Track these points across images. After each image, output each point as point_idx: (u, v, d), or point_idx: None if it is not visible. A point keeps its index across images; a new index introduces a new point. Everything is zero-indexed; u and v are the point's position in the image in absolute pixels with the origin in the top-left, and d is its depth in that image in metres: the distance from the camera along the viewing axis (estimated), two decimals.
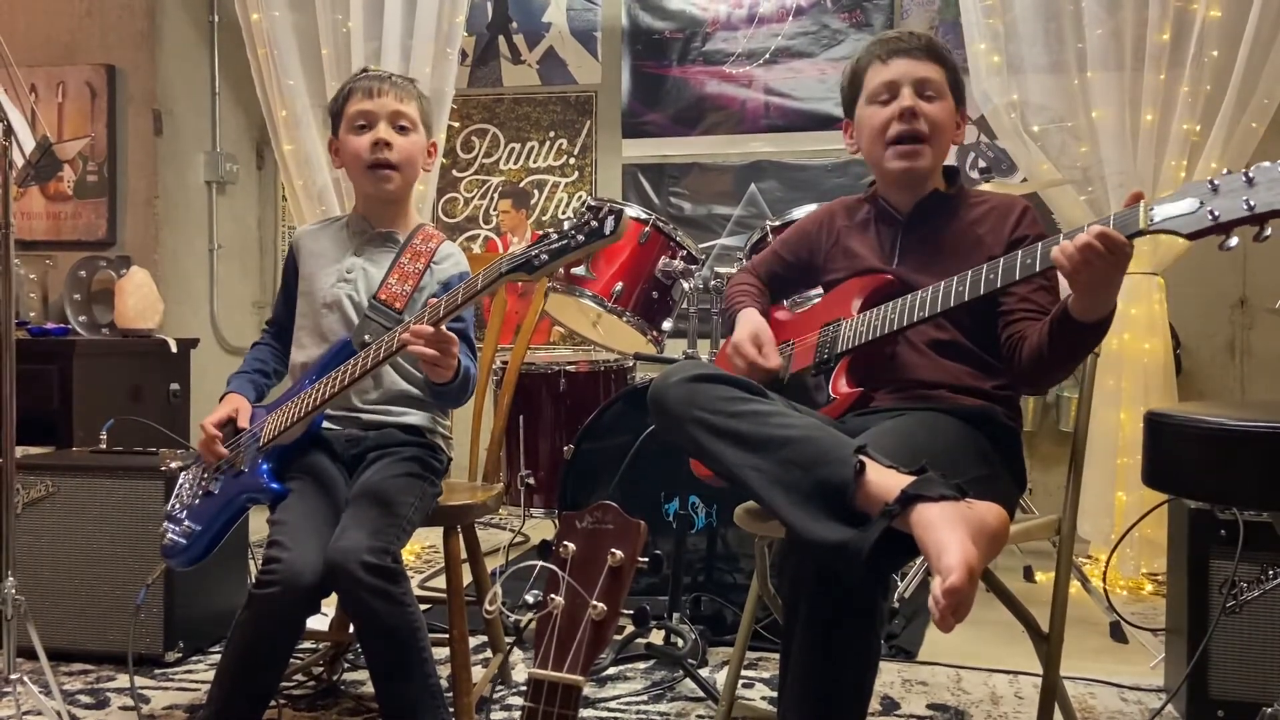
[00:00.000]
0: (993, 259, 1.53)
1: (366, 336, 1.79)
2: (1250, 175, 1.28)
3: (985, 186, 2.92)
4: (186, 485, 1.92)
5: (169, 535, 1.86)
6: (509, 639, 2.22)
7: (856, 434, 1.44)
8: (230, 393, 1.94)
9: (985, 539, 1.21)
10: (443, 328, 1.63)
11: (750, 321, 1.79)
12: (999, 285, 1.50)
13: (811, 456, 1.35)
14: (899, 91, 1.72)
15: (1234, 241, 1.30)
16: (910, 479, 1.26)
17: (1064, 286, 1.49)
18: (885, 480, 1.28)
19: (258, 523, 1.90)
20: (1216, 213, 1.29)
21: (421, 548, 3.48)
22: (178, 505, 1.90)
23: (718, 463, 1.44)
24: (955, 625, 1.15)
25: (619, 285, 2.87)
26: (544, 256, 1.51)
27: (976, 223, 1.74)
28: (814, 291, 1.97)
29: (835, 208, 1.90)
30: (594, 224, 1.48)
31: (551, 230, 1.52)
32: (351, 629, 2.15)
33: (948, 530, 1.18)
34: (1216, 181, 1.30)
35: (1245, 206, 1.27)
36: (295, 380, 1.92)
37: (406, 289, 1.89)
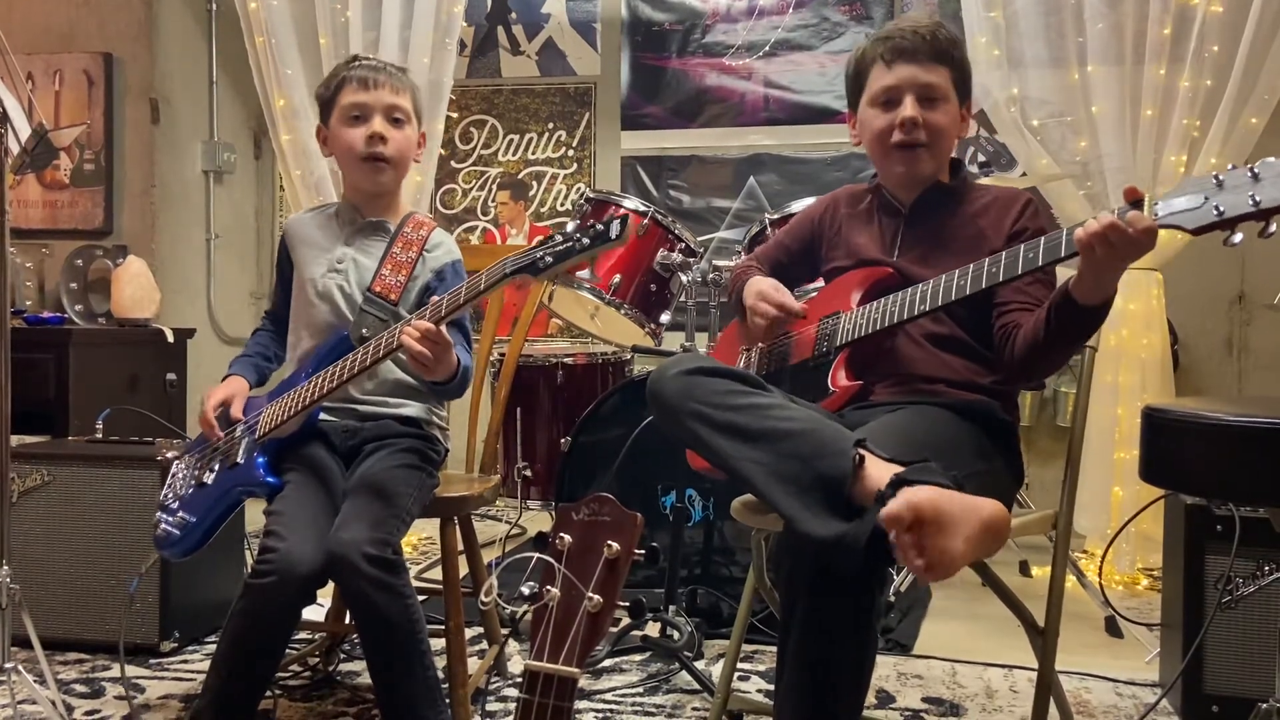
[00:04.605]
0: (994, 252, 1.53)
1: (365, 330, 1.78)
2: (1256, 171, 1.27)
3: (985, 181, 2.91)
4: (180, 475, 1.92)
5: (162, 525, 1.86)
6: (505, 631, 2.22)
7: (855, 427, 1.44)
8: (231, 375, 1.94)
9: (975, 519, 1.20)
10: (442, 327, 1.62)
11: (764, 279, 1.81)
12: (1000, 280, 1.49)
13: (810, 449, 1.34)
14: (901, 98, 1.70)
15: (1238, 238, 1.29)
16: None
17: (1063, 273, 1.48)
18: (884, 473, 1.27)
19: (254, 513, 1.90)
20: (1221, 208, 1.28)
21: (418, 539, 3.48)
22: (170, 495, 1.90)
23: (716, 455, 1.44)
24: (929, 570, 1.17)
25: (617, 278, 2.86)
26: (548, 259, 1.51)
27: (978, 215, 1.73)
28: (814, 284, 1.97)
29: (839, 196, 1.90)
30: (599, 227, 1.48)
31: (557, 232, 1.52)
32: (348, 619, 2.15)
33: (912, 492, 1.19)
34: (1221, 176, 1.29)
35: (1251, 202, 1.26)
36: (293, 370, 1.92)
37: (400, 279, 1.88)
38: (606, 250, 1.51)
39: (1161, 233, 1.35)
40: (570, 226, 1.51)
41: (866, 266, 1.76)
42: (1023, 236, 1.66)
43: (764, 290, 1.77)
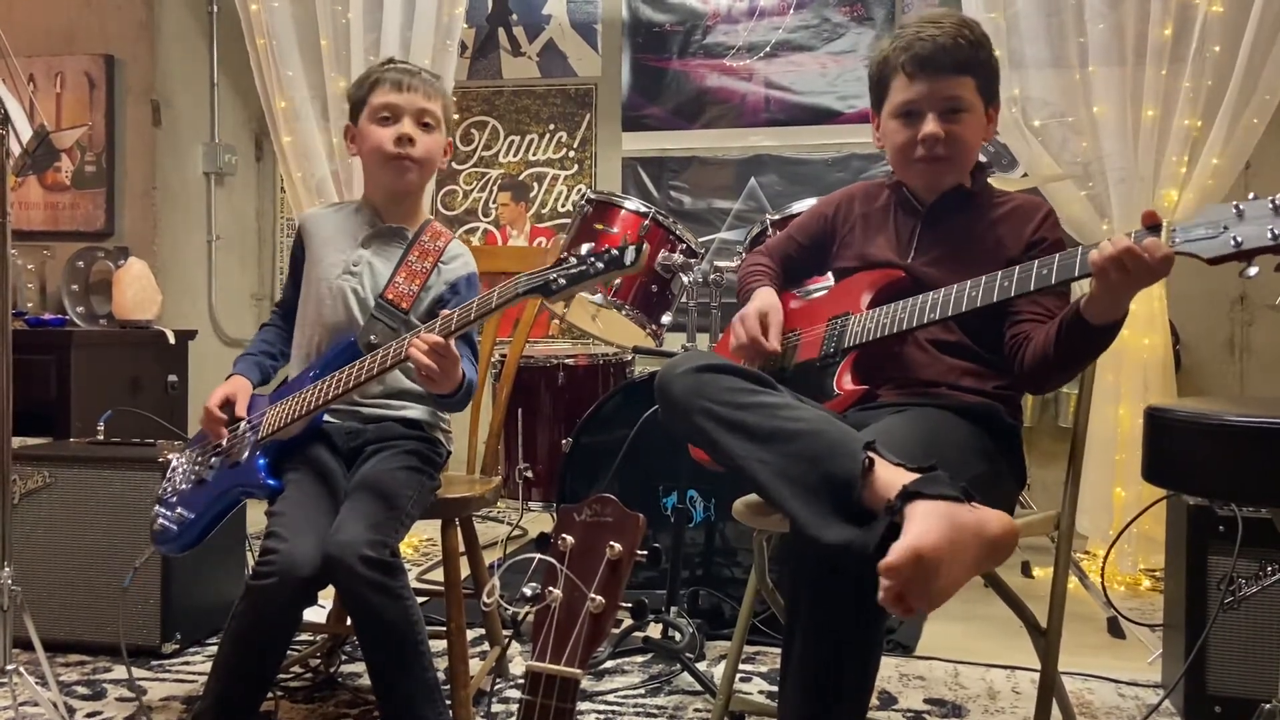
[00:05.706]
0: (1010, 260, 1.52)
1: (373, 337, 1.78)
2: (1278, 203, 1.24)
3: (992, 181, 2.90)
4: (180, 470, 1.91)
5: (160, 520, 1.85)
6: (507, 632, 2.22)
7: (860, 429, 1.43)
8: (234, 374, 1.93)
9: (980, 543, 1.19)
10: (451, 342, 1.62)
11: (763, 299, 1.78)
12: (1012, 294, 1.48)
13: (819, 451, 1.33)
14: (922, 112, 1.67)
15: (1254, 270, 1.27)
16: (915, 476, 1.26)
17: (1076, 290, 1.47)
18: (893, 478, 1.26)
19: (255, 514, 1.90)
20: (1240, 239, 1.25)
21: (420, 540, 3.48)
22: (169, 490, 1.89)
23: (723, 454, 1.43)
24: (907, 611, 1.15)
25: (618, 279, 2.86)
26: (561, 281, 1.51)
27: (997, 222, 1.71)
28: (824, 281, 1.96)
29: (855, 192, 1.88)
30: (614, 252, 1.49)
31: (572, 254, 1.52)
32: (349, 621, 2.15)
33: (923, 521, 1.17)
34: (1242, 206, 1.27)
35: (1270, 235, 1.23)
36: (297, 369, 1.91)
37: (413, 289, 1.88)
38: (620, 276, 1.53)
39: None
40: (585, 249, 1.51)
41: (878, 267, 1.75)
42: (1041, 246, 1.65)
43: (747, 315, 1.74)
